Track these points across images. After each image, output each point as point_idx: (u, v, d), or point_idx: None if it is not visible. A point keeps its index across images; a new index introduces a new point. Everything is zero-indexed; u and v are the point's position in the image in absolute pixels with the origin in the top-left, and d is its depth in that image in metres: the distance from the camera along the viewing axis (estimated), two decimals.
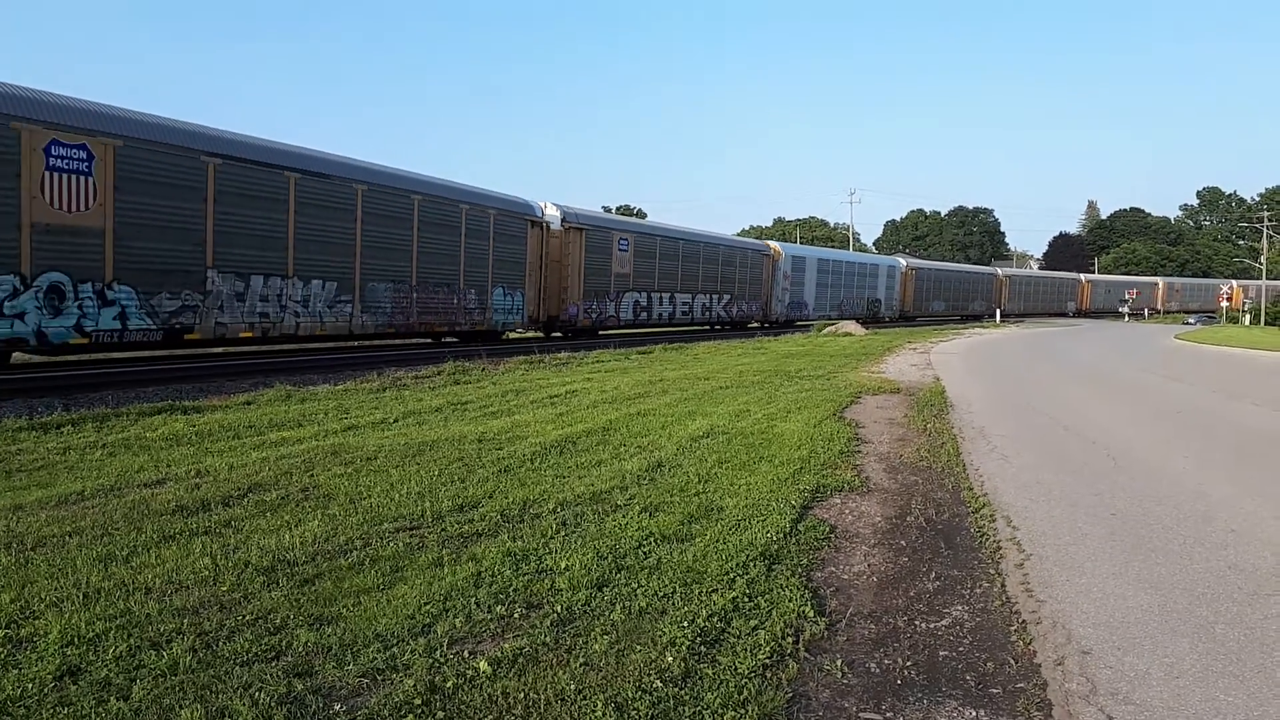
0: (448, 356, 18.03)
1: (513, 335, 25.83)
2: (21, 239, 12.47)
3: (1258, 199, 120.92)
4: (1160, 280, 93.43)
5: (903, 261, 57.89)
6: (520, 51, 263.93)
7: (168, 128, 14.79)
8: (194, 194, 14.92)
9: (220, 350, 18.16)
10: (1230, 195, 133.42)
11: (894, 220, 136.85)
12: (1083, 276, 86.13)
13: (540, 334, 27.39)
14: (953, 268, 69.65)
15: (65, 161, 13.00)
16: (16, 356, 14.60)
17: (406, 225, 19.85)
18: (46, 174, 12.75)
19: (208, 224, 15.18)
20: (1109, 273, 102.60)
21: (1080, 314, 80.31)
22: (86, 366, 14.73)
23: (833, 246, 75.91)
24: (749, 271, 38.72)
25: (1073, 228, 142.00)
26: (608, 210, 74.34)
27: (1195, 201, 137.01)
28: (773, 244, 42.23)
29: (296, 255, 16.97)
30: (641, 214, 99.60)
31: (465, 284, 22.00)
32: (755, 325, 39.76)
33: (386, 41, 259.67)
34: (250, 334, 16.39)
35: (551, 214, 26.14)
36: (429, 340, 23.03)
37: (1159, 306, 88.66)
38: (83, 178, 13.22)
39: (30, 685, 3.45)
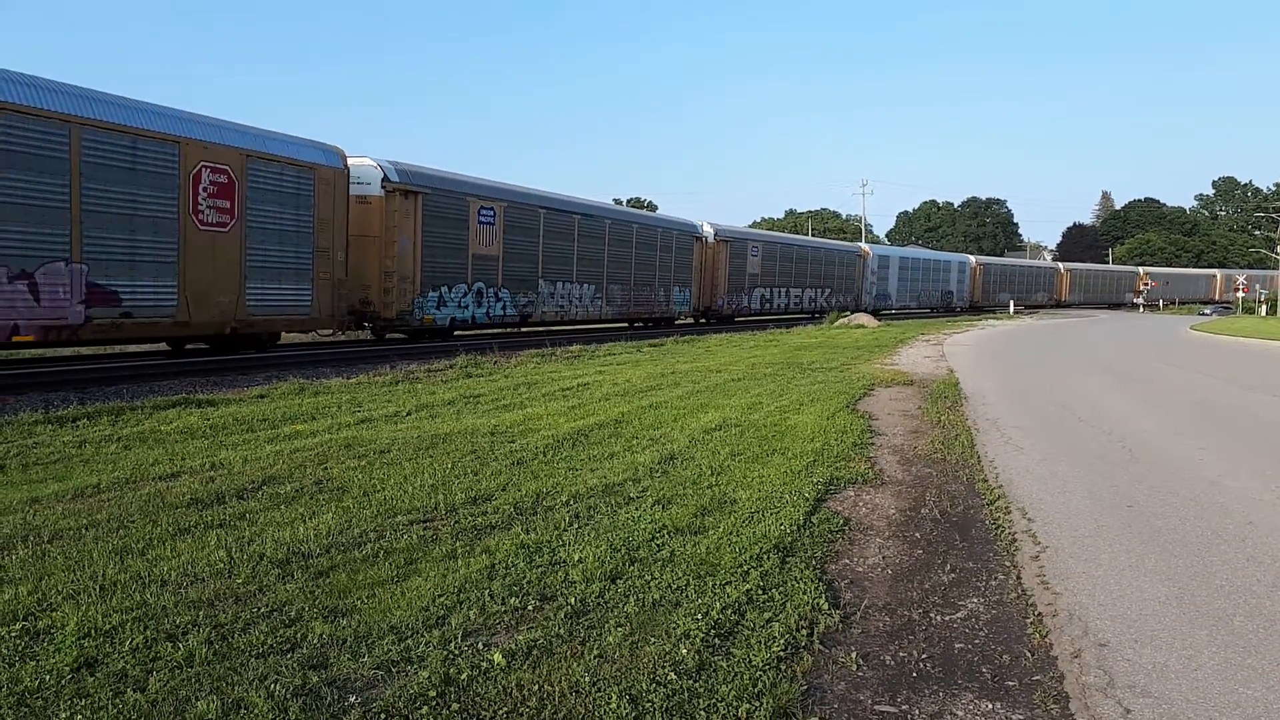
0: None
1: (679, 321, 34.27)
2: (468, 265, 21.68)
3: (1274, 188, 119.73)
4: (1219, 273, 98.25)
5: (972, 259, 65.27)
6: (513, 47, 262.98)
7: (524, 192, 24.11)
8: (533, 233, 24.09)
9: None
10: (1246, 185, 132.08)
11: (907, 211, 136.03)
12: (1140, 270, 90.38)
13: (691, 320, 35.56)
14: (1017, 263, 77.56)
15: (484, 218, 22.08)
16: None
17: (629, 245, 29.10)
18: (476, 225, 21.80)
19: (540, 251, 24.44)
20: (1122, 263, 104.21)
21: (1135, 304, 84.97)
22: (101, 360, 14.88)
23: (844, 239, 76.87)
24: (845, 269, 47.51)
25: (1086, 218, 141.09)
26: (618, 202, 75.06)
27: (1211, 191, 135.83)
28: (863, 246, 51.78)
29: (577, 269, 26.17)
30: (653, 206, 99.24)
31: (658, 284, 31.26)
32: (849, 312, 46.88)
33: (372, 37, 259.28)
34: (556, 319, 25.65)
35: (707, 230, 35.03)
36: (624, 325, 30.68)
37: (1217, 297, 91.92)
38: (490, 227, 22.32)
39: (48, 677, 3.47)
